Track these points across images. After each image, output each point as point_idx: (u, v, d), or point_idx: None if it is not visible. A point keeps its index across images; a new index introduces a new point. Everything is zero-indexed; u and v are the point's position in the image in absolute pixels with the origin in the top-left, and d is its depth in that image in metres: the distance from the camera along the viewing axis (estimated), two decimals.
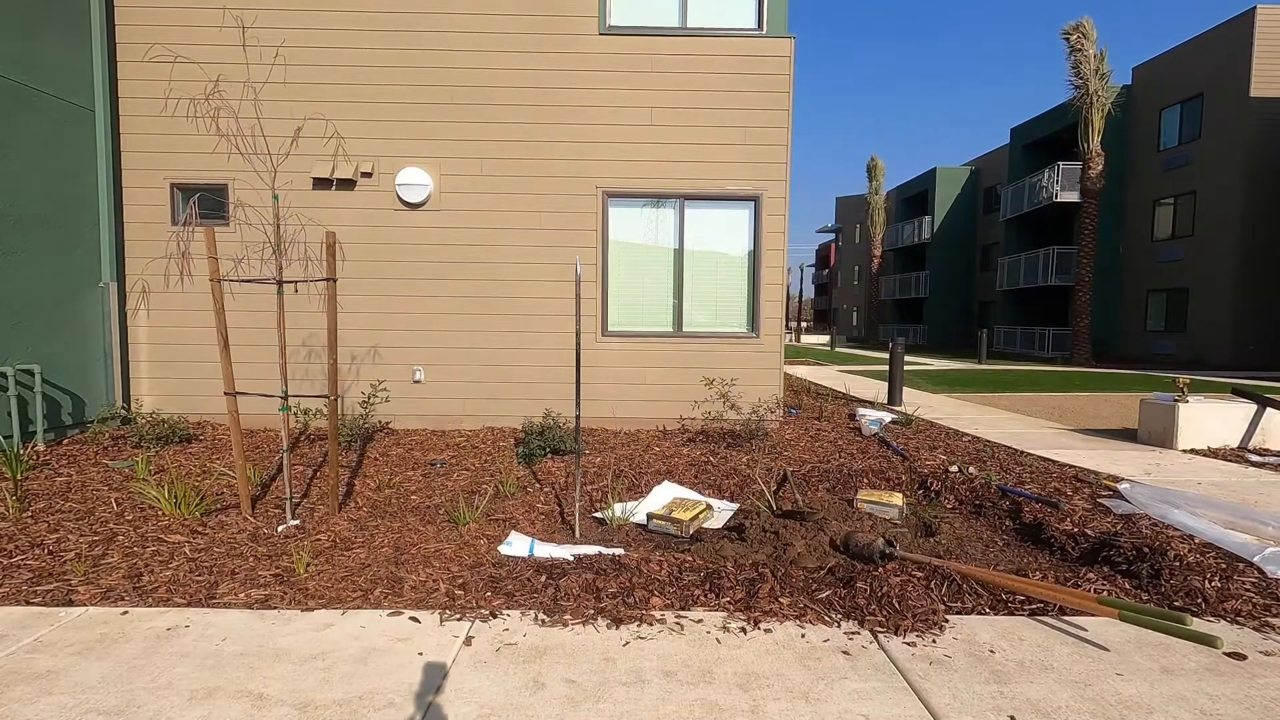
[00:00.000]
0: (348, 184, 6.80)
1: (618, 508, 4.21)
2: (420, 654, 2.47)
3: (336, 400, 4.08)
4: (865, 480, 5.04)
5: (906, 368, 15.24)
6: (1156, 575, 3.10)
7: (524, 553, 3.46)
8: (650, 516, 4.15)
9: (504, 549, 3.51)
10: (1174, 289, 21.51)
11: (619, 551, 3.49)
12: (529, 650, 2.50)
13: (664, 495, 4.55)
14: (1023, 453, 6.12)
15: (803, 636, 2.63)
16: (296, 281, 4.15)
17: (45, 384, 5.82)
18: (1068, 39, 20.67)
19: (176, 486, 4.10)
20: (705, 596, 2.95)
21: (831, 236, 51.21)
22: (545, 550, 3.50)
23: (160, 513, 3.98)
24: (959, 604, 2.92)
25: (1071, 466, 5.59)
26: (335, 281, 3.99)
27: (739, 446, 5.94)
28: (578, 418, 4.00)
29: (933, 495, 4.80)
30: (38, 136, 5.90)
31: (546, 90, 6.85)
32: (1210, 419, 6.58)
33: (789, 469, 5.22)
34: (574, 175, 6.90)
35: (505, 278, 6.95)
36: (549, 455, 5.60)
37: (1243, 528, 3.84)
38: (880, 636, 2.62)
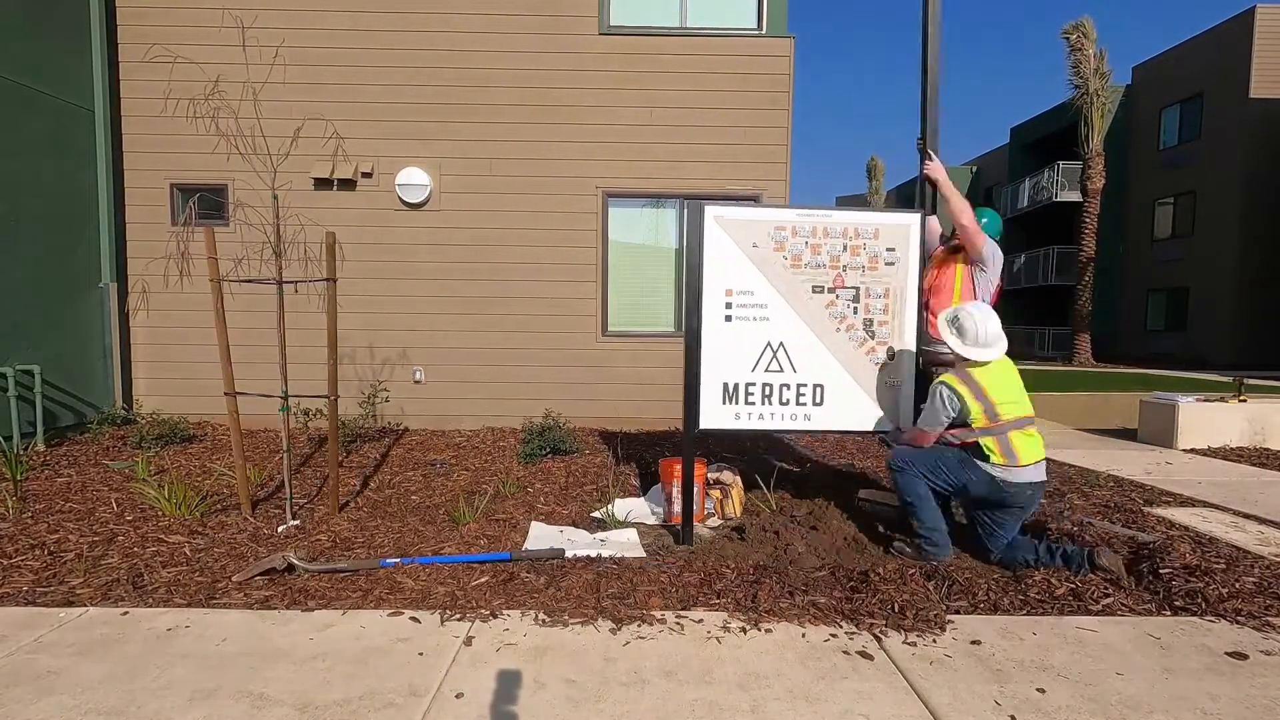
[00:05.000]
0: (348, 184, 6.80)
1: (619, 506, 4.21)
2: (420, 654, 2.46)
3: (336, 401, 4.08)
4: (868, 479, 5.03)
5: None
6: (1158, 574, 3.10)
7: (561, 549, 3.42)
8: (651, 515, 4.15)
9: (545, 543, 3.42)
10: (1174, 289, 21.51)
11: (643, 553, 3.49)
12: (529, 650, 2.50)
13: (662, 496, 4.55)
14: None
15: (803, 636, 2.62)
16: (297, 282, 4.15)
17: (45, 384, 5.82)
18: (1068, 39, 20.64)
19: (177, 487, 4.10)
20: (705, 596, 2.95)
21: None
22: (582, 550, 3.46)
23: (160, 513, 3.97)
24: (960, 603, 2.92)
25: (1073, 466, 5.59)
26: (335, 282, 3.99)
27: (741, 446, 5.93)
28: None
29: None
30: (38, 136, 5.91)
31: (546, 90, 6.85)
32: (1210, 419, 6.59)
33: (793, 469, 5.22)
34: (574, 175, 6.90)
35: (505, 278, 6.96)
36: (549, 455, 5.59)
37: None
38: (881, 636, 2.62)
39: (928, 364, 3.77)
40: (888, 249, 3.71)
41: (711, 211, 3.66)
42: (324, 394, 4.09)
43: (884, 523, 3.96)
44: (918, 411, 3.69)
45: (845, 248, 3.70)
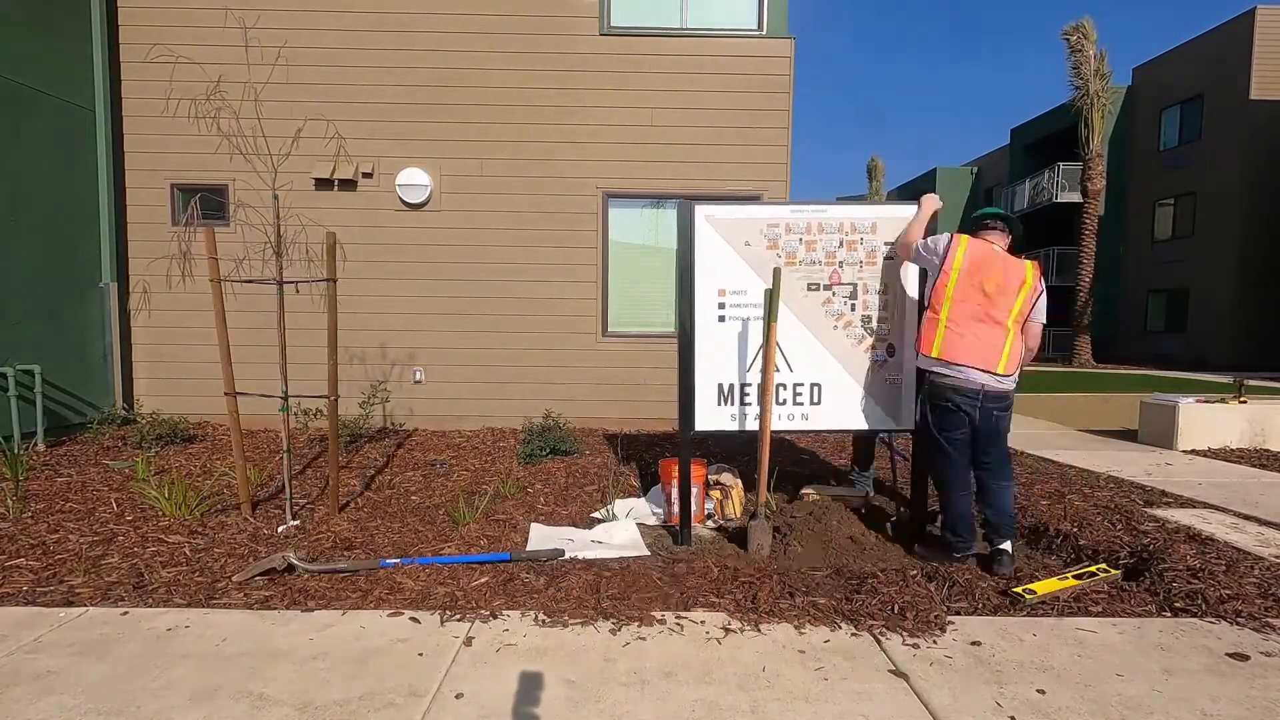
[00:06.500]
0: (349, 184, 6.81)
1: (619, 507, 4.21)
2: (420, 654, 2.46)
3: (336, 401, 4.08)
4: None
5: None
6: (1160, 575, 3.10)
7: (560, 549, 3.43)
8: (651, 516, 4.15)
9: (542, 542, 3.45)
10: (1174, 289, 21.51)
11: (646, 552, 3.49)
12: (529, 651, 2.50)
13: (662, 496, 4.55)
14: (1023, 453, 6.12)
15: (803, 637, 2.62)
16: (297, 282, 4.15)
17: (46, 384, 5.82)
18: (1068, 39, 20.67)
19: (177, 487, 4.10)
20: (705, 597, 2.95)
21: None
22: (582, 551, 3.48)
23: (160, 513, 3.97)
24: (960, 605, 2.92)
25: (1073, 467, 5.59)
26: (335, 282, 3.99)
27: (742, 446, 5.93)
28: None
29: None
30: (38, 136, 5.91)
31: (547, 90, 6.85)
32: (1211, 420, 6.58)
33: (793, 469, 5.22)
34: (574, 175, 6.91)
35: (505, 278, 6.96)
36: (549, 456, 5.59)
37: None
38: (881, 637, 2.62)
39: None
40: (886, 243, 3.65)
41: (702, 211, 3.63)
42: (324, 394, 4.09)
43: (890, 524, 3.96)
44: (919, 408, 3.67)
45: (841, 243, 3.65)
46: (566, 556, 3.38)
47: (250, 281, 4.10)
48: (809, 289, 3.67)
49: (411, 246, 6.90)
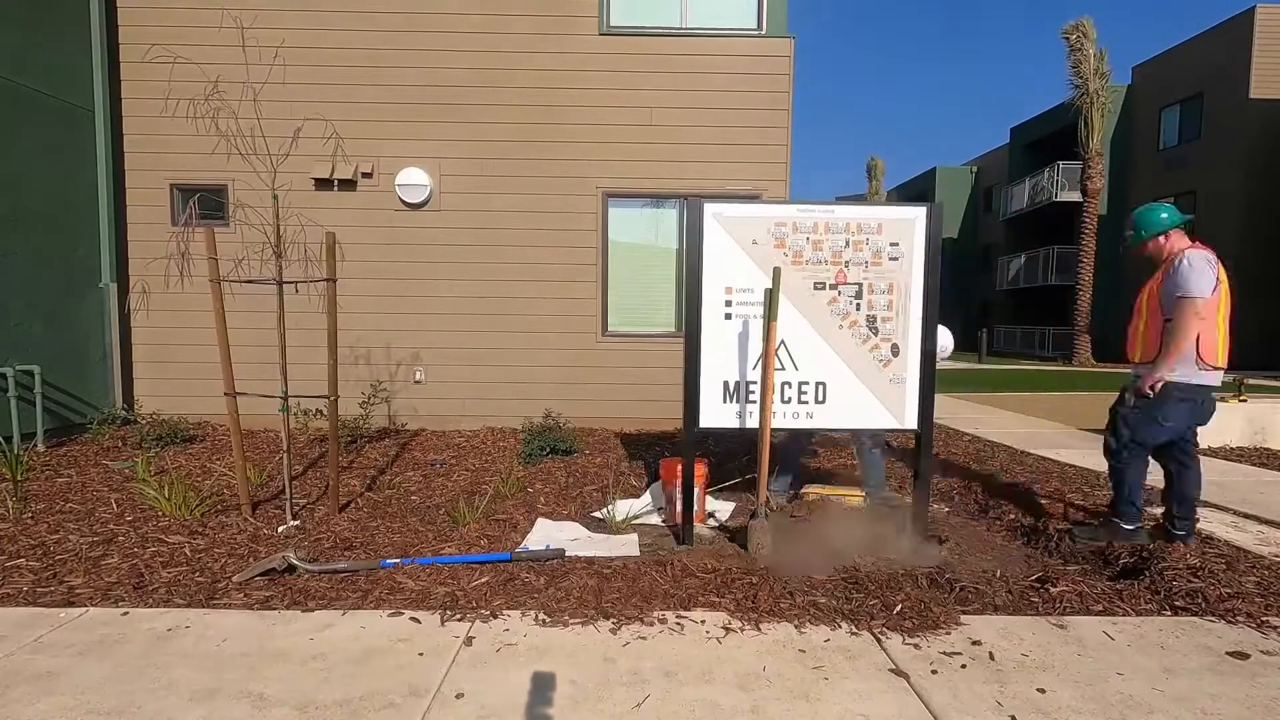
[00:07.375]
0: (348, 184, 6.80)
1: (620, 506, 4.21)
2: (421, 654, 2.46)
3: (336, 401, 4.08)
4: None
5: None
6: (1160, 574, 3.10)
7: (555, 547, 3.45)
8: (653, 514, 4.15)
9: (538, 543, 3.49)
10: None
11: (635, 553, 3.50)
12: (530, 650, 2.50)
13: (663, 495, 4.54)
14: (1024, 452, 6.12)
15: (804, 636, 2.62)
16: (297, 282, 4.14)
17: (46, 385, 5.82)
18: (1067, 39, 20.70)
19: (177, 487, 4.10)
20: (705, 596, 2.95)
21: None
22: (588, 550, 3.51)
23: (160, 513, 3.97)
24: (964, 605, 2.91)
25: (1073, 466, 5.59)
26: (335, 282, 3.99)
27: (743, 446, 5.93)
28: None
29: (935, 495, 4.78)
30: (38, 137, 5.91)
31: (546, 90, 6.85)
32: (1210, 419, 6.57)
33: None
34: (574, 175, 6.90)
35: (505, 278, 6.96)
36: (549, 455, 5.59)
37: None
38: (881, 636, 2.62)
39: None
40: (891, 244, 3.66)
41: (711, 209, 3.65)
42: (324, 394, 4.09)
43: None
44: (921, 408, 3.69)
45: (848, 243, 3.67)
46: (568, 555, 3.38)
47: (250, 281, 4.10)
48: (815, 288, 3.68)
49: (411, 246, 6.90)
